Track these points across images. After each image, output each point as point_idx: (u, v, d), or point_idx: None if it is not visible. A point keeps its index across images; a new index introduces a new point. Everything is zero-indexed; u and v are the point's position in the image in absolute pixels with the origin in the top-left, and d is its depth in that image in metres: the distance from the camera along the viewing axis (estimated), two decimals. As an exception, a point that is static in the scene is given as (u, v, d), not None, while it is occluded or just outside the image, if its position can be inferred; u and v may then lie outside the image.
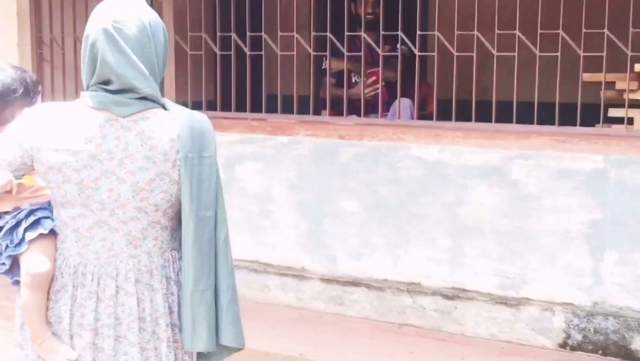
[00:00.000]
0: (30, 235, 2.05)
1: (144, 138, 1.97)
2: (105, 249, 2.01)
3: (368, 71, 4.66)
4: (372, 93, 4.71)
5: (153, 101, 1.99)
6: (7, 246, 2.10)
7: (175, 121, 1.98)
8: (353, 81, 4.97)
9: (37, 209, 2.09)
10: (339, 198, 4.38)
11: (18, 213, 2.09)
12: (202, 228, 1.99)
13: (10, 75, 2.27)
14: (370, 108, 4.86)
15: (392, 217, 4.26)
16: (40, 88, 2.36)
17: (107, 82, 1.96)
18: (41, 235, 2.05)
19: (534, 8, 3.91)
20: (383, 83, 4.59)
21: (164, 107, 2.01)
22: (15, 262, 2.11)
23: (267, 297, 4.51)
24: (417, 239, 4.20)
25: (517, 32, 3.94)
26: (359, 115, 4.58)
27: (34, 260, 2.04)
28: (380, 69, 4.38)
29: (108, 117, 1.96)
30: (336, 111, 4.68)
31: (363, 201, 4.32)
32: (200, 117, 2.04)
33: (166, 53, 2.04)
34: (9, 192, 2.04)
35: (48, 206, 2.10)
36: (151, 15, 2.01)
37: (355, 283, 4.30)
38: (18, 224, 2.08)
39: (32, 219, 2.07)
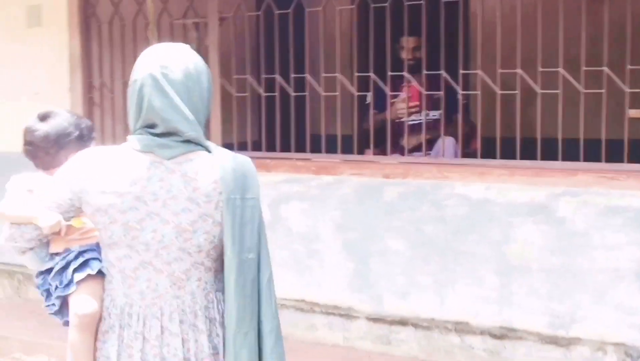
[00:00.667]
0: (78, 276, 2.11)
1: (187, 180, 2.00)
2: (150, 290, 2.04)
3: (409, 86, 4.66)
4: (415, 111, 4.69)
5: (197, 143, 2.03)
6: (56, 287, 2.15)
7: (218, 163, 2.02)
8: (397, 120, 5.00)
9: (85, 250, 2.14)
10: (384, 237, 4.38)
11: (67, 255, 2.15)
12: (244, 269, 2.01)
13: (67, 119, 2.35)
14: (414, 147, 4.88)
15: (438, 255, 4.24)
16: (94, 134, 2.43)
17: (152, 126, 2.01)
18: (89, 276, 2.11)
19: (577, 45, 3.92)
20: (424, 111, 4.59)
21: (208, 150, 2.05)
22: (64, 303, 2.16)
23: (313, 337, 4.51)
24: (463, 277, 4.18)
25: (560, 70, 3.94)
26: (403, 154, 4.60)
27: (82, 301, 2.09)
28: (416, 85, 4.42)
29: (153, 160, 2.00)
30: (380, 150, 4.71)
31: (408, 240, 4.32)
32: (243, 160, 2.07)
33: (210, 97, 2.09)
34: (58, 233, 2.10)
35: (97, 248, 2.15)
36: (196, 60, 2.06)
37: (402, 322, 4.28)
38: (67, 265, 2.14)
39: (80, 260, 2.12)
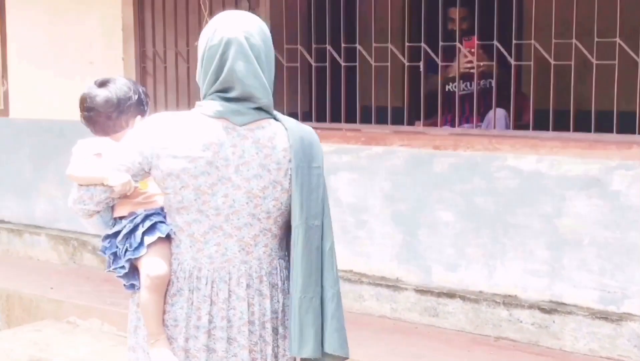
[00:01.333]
0: (148, 239, 2.13)
1: (259, 147, 2.04)
2: (219, 254, 2.09)
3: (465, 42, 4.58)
4: (469, 66, 4.58)
5: (266, 111, 2.06)
6: (126, 250, 2.17)
7: (288, 132, 2.06)
8: (446, 90, 4.96)
9: (152, 214, 2.17)
10: (433, 209, 4.38)
11: (134, 218, 2.18)
12: (310, 236, 2.05)
13: (126, 84, 2.39)
14: (465, 117, 4.84)
15: (488, 228, 4.22)
16: (148, 99, 2.47)
17: (226, 90, 2.03)
18: (159, 239, 2.13)
19: (636, 14, 3.82)
20: (480, 64, 4.49)
21: (276, 118, 2.09)
22: (132, 266, 2.19)
23: (361, 307, 4.54)
24: (513, 250, 4.15)
25: (617, 40, 3.85)
26: (454, 126, 4.57)
27: (154, 263, 2.12)
28: (475, 41, 4.35)
29: (226, 125, 2.04)
30: (431, 122, 4.68)
31: (458, 212, 4.30)
32: (309, 129, 2.12)
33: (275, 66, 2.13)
34: (125, 196, 2.13)
35: (161, 212, 2.18)
36: (267, 28, 2.10)
37: (450, 295, 4.28)
38: (135, 228, 2.17)
39: (148, 223, 2.15)
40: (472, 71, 4.51)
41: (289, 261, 2.16)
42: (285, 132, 2.06)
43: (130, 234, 2.17)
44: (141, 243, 2.14)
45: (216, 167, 2.03)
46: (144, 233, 2.14)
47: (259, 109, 2.04)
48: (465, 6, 4.55)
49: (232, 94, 2.03)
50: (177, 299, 2.10)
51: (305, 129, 2.10)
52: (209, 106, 2.05)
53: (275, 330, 2.14)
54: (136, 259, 2.16)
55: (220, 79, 2.02)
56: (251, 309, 2.10)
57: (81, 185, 2.11)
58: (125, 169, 2.07)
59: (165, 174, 2.05)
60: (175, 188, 2.05)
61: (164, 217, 2.16)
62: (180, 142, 2.03)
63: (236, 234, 2.08)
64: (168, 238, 2.14)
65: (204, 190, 2.04)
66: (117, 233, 2.20)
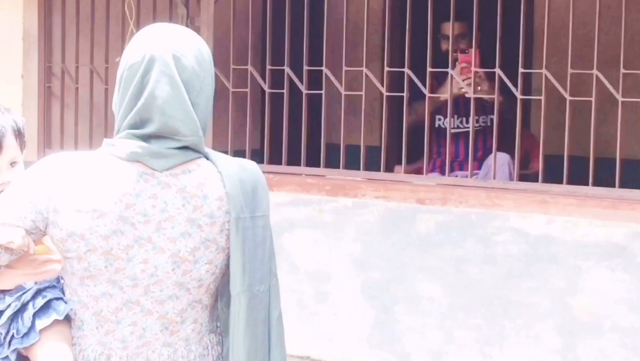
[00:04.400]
0: (41, 323, 2.07)
1: (186, 197, 2.02)
2: (135, 337, 2.05)
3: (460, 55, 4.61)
4: (467, 82, 4.54)
5: (195, 150, 2.05)
6: (12, 337, 2.11)
7: (222, 175, 2.04)
8: (436, 125, 5.01)
9: (45, 288, 2.12)
10: (415, 279, 4.38)
11: (23, 293, 2.12)
12: (255, 306, 2.05)
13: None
14: (458, 162, 4.89)
15: (484, 306, 4.23)
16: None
17: (143, 123, 2.01)
18: (56, 322, 2.07)
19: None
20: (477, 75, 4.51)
21: (207, 158, 2.07)
22: (20, 356, 2.12)
23: (320, 404, 4.51)
24: (516, 335, 4.17)
25: (648, 72, 3.94)
26: (443, 173, 4.61)
27: (52, 355, 2.06)
28: (473, 55, 4.39)
29: (142, 171, 2.01)
30: (413, 168, 4.71)
31: (446, 284, 4.31)
32: (251, 167, 2.10)
33: (214, 96, 2.12)
34: (10, 265, 2.08)
35: (57, 284, 2.14)
36: (206, 47, 2.09)
37: (434, 390, 4.28)
38: (24, 308, 2.11)
39: (41, 301, 2.10)
40: (467, 95, 4.50)
41: (220, 333, 2.15)
42: (219, 175, 2.05)
43: (17, 315, 2.11)
44: (32, 328, 2.08)
45: (132, 225, 2.00)
46: (35, 315, 2.09)
47: (186, 147, 2.03)
48: (463, 20, 4.59)
49: (149, 129, 2.00)
50: None
51: (246, 168, 2.08)
52: (122, 145, 2.02)
53: None
54: (26, 348, 2.11)
55: (137, 107, 2.00)
56: None
57: None
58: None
59: (66, 234, 2.01)
60: (80, 252, 2.01)
61: (62, 290, 2.12)
62: (85, 192, 1.99)
63: (158, 310, 2.05)
64: (68, 319, 2.09)
65: (117, 255, 2.00)
66: None
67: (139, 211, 2.01)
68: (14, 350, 2.11)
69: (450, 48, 4.58)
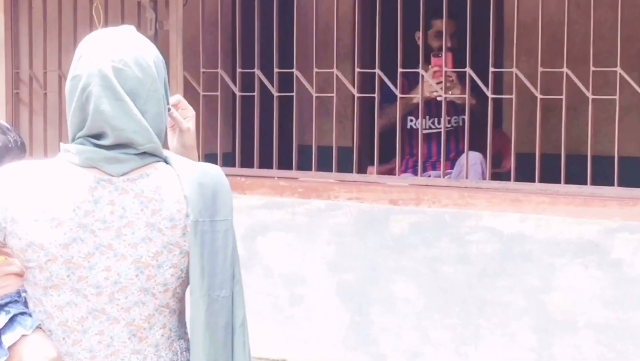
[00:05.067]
0: (8, 338, 2.05)
1: (143, 201, 2.02)
2: (103, 346, 2.04)
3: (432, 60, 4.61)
4: (438, 84, 4.53)
5: (153, 155, 2.05)
6: None
7: (182, 177, 2.04)
8: (408, 127, 5.02)
9: (7, 302, 2.09)
10: (390, 280, 4.38)
11: None
12: (215, 311, 2.03)
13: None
14: (431, 162, 4.90)
15: (459, 305, 4.24)
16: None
17: (99, 136, 2.01)
18: (23, 337, 2.04)
19: (640, 38, 3.95)
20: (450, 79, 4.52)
21: (166, 162, 2.07)
22: None
23: (297, 407, 4.50)
24: (491, 334, 4.18)
25: (618, 69, 3.96)
26: (416, 174, 4.61)
27: (34, 349, 2.03)
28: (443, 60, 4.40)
29: (99, 177, 2.01)
30: (386, 168, 4.72)
31: (421, 284, 4.32)
32: (212, 171, 2.09)
33: (168, 98, 2.12)
34: None
35: (19, 298, 2.11)
36: (154, 51, 2.08)
37: (410, 391, 4.28)
38: None
39: (5, 317, 2.07)
40: (439, 98, 4.52)
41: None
42: (177, 178, 2.04)
43: None
44: None
45: (92, 232, 2.00)
46: (0, 331, 2.07)
47: (143, 153, 2.03)
48: (438, 19, 4.55)
49: (106, 142, 2.01)
50: None
51: (207, 172, 2.07)
52: (77, 152, 2.01)
53: None
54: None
55: (87, 122, 2.00)
56: None
57: None
58: None
59: (25, 244, 2.00)
60: (40, 262, 2.00)
61: (24, 304, 2.09)
62: (42, 201, 1.99)
63: (124, 317, 2.03)
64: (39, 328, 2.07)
65: (79, 263, 2.00)
66: None
67: (98, 218, 2.00)
68: None
69: (421, 46, 4.57)
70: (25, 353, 2.05)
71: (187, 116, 2.23)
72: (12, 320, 2.07)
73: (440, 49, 4.61)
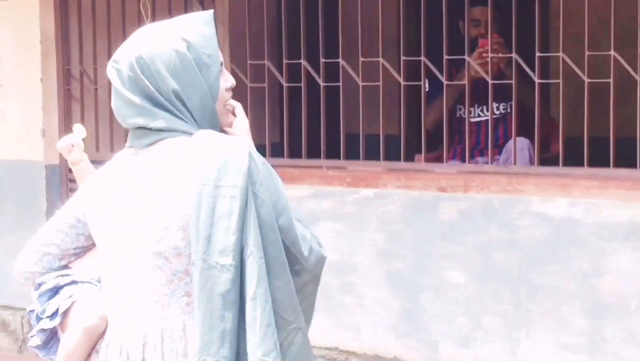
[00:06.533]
0: (63, 305, 2.28)
1: (158, 168, 2.14)
2: (134, 311, 2.15)
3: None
4: (485, 59, 4.51)
5: (171, 130, 2.16)
6: (37, 317, 2.30)
7: (194, 146, 2.10)
8: (457, 115, 5.01)
9: (83, 282, 2.32)
10: (440, 267, 4.40)
11: (64, 276, 2.31)
12: (210, 277, 2.01)
13: None
14: (479, 149, 4.89)
15: (510, 291, 4.24)
16: None
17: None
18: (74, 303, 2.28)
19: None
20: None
21: (189, 134, 2.16)
22: (51, 336, 2.30)
23: (349, 394, 4.54)
24: (542, 319, 4.18)
25: (667, 51, 3.94)
26: (464, 161, 4.61)
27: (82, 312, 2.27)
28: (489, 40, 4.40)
29: (132, 152, 2.21)
30: (435, 156, 4.72)
31: (471, 271, 4.33)
32: (234, 144, 2.10)
33: (190, 77, 2.13)
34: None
35: (97, 284, 2.32)
36: (148, 45, 2.16)
37: (462, 377, 4.30)
38: (57, 291, 2.30)
39: (68, 301, 2.29)
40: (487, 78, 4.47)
41: None
42: (190, 147, 2.11)
43: (52, 292, 2.30)
44: (55, 312, 2.27)
45: (120, 203, 2.16)
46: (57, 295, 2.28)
47: (159, 130, 2.15)
48: (484, 5, 4.51)
49: (128, 126, 2.24)
50: None
51: (227, 143, 2.09)
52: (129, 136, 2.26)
53: None
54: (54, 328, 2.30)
55: None
56: None
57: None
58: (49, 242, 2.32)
59: (93, 226, 2.25)
60: (98, 238, 2.23)
61: (99, 280, 2.29)
62: (102, 186, 2.24)
63: (146, 283, 2.11)
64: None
65: (112, 231, 2.18)
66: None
67: (125, 188, 2.18)
68: (41, 329, 2.30)
69: (466, 34, 4.57)
70: (73, 317, 2.28)
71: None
72: (61, 288, 2.30)
73: (477, 37, 4.60)
